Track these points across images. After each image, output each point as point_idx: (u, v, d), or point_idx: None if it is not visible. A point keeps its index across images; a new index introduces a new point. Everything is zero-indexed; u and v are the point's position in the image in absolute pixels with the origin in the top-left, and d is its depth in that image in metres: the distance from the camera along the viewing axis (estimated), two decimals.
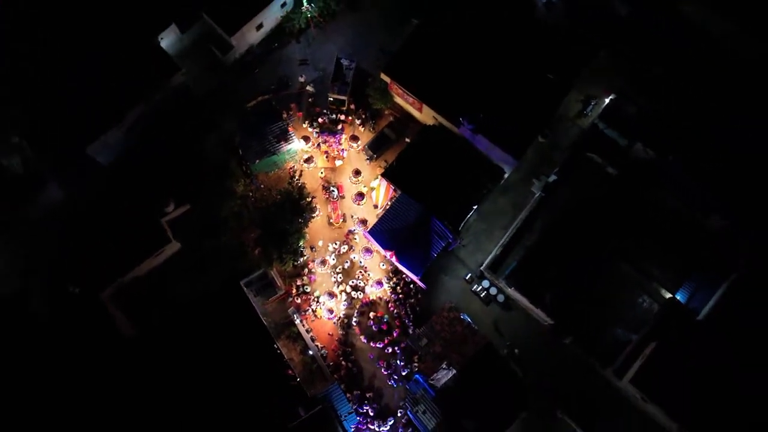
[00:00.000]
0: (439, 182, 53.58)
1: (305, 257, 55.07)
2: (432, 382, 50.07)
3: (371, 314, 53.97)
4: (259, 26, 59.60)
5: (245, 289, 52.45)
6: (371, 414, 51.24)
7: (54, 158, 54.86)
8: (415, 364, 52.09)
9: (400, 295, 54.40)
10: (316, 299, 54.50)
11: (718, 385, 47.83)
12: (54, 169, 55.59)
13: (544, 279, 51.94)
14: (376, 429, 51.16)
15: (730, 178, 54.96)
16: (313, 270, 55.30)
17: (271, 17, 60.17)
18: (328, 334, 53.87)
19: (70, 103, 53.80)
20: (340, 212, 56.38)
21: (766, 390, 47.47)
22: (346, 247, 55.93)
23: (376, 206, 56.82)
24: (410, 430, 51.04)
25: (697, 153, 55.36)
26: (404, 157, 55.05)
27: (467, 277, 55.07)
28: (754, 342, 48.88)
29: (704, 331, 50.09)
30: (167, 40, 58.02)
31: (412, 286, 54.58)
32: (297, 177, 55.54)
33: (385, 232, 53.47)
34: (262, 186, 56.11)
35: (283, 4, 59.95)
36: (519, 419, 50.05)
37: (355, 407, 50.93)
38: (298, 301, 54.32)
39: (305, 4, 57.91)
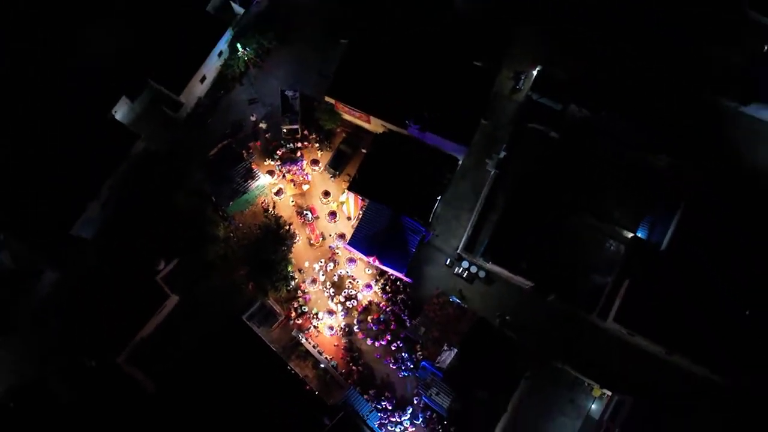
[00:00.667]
0: (401, 183, 57.54)
1: (296, 280, 58.63)
2: (438, 365, 54.03)
3: (369, 318, 57.75)
4: (203, 79, 63.08)
5: (248, 323, 55.86)
6: (390, 407, 55.02)
7: (41, 245, 57.74)
8: (419, 353, 56.01)
9: (390, 294, 58.28)
10: (315, 316, 58.10)
11: (690, 305, 52.62)
12: (43, 254, 58.43)
13: (516, 247, 56.20)
14: (398, 420, 54.95)
15: (665, 118, 60.13)
16: (306, 290, 58.89)
17: (211, 68, 63.69)
18: (334, 345, 57.58)
19: (44, 189, 56.81)
20: (318, 232, 60.08)
21: (732, 302, 52.53)
22: (332, 263, 59.64)
23: (349, 218, 60.61)
24: (429, 413, 54.96)
25: (628, 102, 60.37)
26: (364, 167, 58.93)
27: (447, 262, 59.15)
28: (711, 262, 53.86)
29: (668, 259, 54.84)
30: (120, 111, 61.25)
31: (398, 282, 58.45)
32: (271, 209, 59.13)
33: (363, 240, 57.31)
34: (240, 225, 59.68)
35: (220, 53, 63.50)
36: (524, 378, 54.39)
37: (374, 405, 54.77)
38: (299, 321, 57.90)
39: (240, 48, 61.49)
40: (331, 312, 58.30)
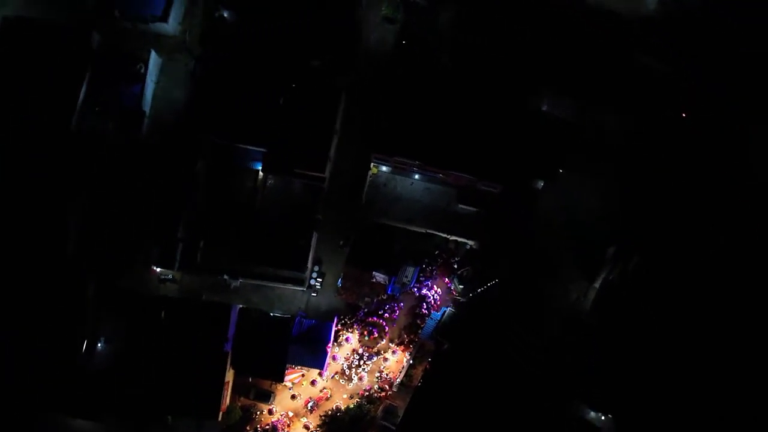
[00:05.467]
0: (260, 344, 76.99)
1: (366, 409, 79.06)
2: (387, 283, 79.94)
3: (369, 340, 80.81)
4: None
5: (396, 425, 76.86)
6: (428, 309, 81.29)
7: None
8: (382, 298, 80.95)
9: (350, 327, 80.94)
10: (381, 374, 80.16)
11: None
12: None
13: (292, 248, 78.01)
14: (435, 299, 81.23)
15: None
16: (364, 389, 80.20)
17: None
18: (396, 361, 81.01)
19: None
20: (322, 394, 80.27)
21: None
22: (344, 377, 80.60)
23: (303, 375, 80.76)
24: (427, 282, 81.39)
25: None
26: (251, 371, 78.59)
27: (315, 294, 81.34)
28: None
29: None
30: None
31: (341, 323, 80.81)
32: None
33: (315, 359, 78.06)
34: None
35: None
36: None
37: (429, 318, 79.95)
38: (386, 385, 79.96)
39: None
40: (394, 351, 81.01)
